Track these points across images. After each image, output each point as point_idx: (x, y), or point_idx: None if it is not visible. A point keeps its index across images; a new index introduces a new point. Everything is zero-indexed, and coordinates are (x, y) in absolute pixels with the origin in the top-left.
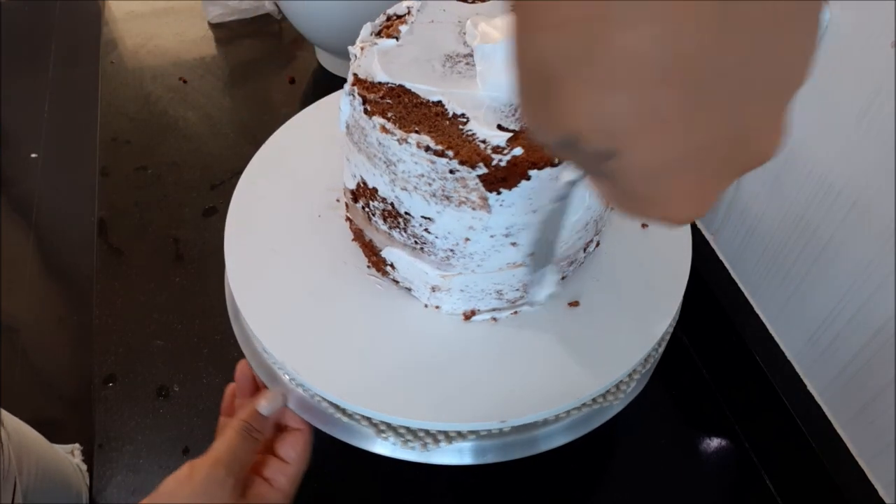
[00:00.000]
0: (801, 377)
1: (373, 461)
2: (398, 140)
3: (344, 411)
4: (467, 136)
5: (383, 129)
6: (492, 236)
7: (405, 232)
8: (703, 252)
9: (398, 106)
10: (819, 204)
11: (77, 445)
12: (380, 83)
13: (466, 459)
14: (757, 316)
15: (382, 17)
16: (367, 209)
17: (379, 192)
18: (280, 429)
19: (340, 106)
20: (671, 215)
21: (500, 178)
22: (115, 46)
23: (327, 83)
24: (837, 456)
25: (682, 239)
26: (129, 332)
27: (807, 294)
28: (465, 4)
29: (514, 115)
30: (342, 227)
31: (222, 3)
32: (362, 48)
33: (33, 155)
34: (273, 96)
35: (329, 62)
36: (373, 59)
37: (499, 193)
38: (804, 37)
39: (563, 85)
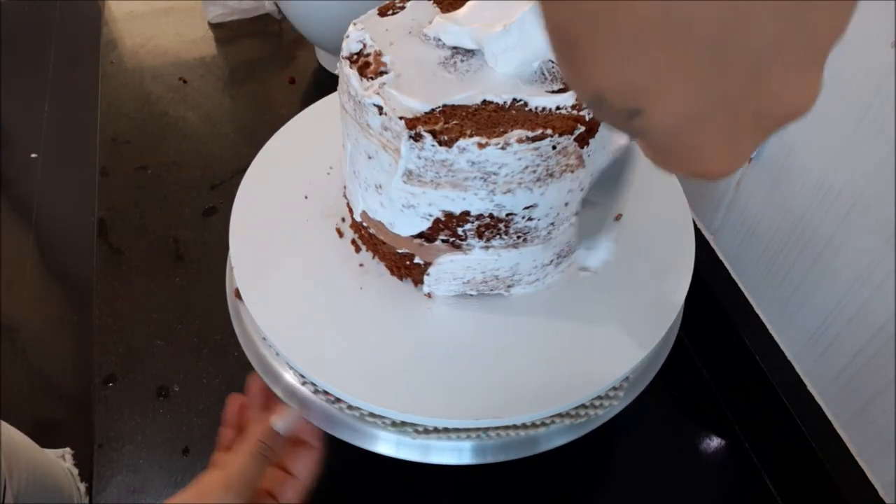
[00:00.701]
0: (801, 377)
1: (373, 461)
2: (501, 146)
3: (348, 408)
4: (531, 114)
5: (480, 145)
6: (582, 189)
7: (506, 234)
8: (703, 252)
9: (460, 121)
10: (819, 204)
11: (68, 450)
12: (426, 113)
13: (466, 459)
14: (757, 316)
15: (346, 63)
16: (452, 239)
17: (472, 213)
18: (290, 442)
19: (402, 153)
20: (703, 170)
21: (588, 130)
22: (115, 46)
23: (327, 83)
24: (837, 456)
25: (684, 239)
26: (129, 332)
27: (807, 294)
28: (389, 19)
29: (543, 79)
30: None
31: (222, 3)
32: (377, 92)
33: (33, 155)
34: (273, 96)
35: (329, 62)
36: (398, 97)
37: (588, 145)
38: None
39: (585, 47)
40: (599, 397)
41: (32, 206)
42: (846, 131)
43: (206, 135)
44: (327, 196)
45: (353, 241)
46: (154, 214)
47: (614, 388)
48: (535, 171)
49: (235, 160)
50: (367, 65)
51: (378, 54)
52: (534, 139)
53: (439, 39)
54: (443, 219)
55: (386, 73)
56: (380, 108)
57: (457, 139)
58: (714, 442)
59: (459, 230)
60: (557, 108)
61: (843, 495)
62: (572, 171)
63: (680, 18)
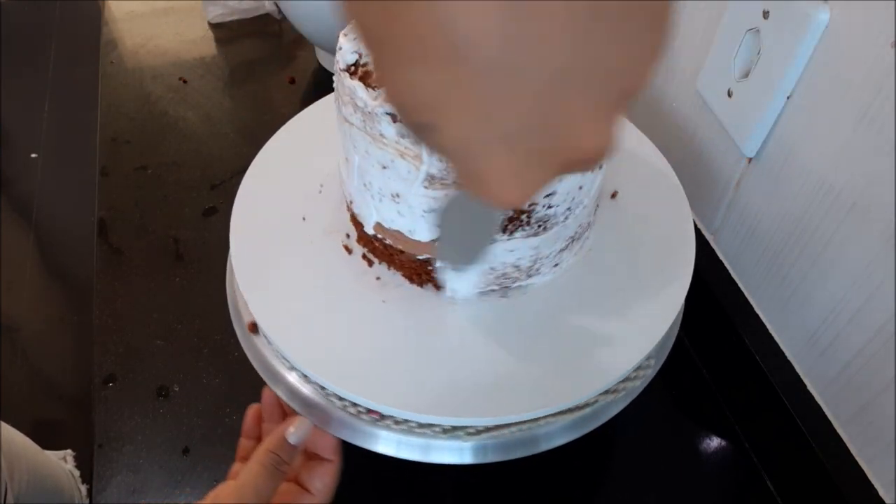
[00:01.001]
0: (801, 377)
1: (373, 461)
2: None
3: (349, 407)
4: None
5: None
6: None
7: (528, 225)
8: (703, 252)
9: None
10: (819, 204)
11: (69, 451)
12: None
13: (467, 459)
14: (757, 316)
15: (347, 75)
16: None
17: None
18: (307, 457)
19: (423, 159)
20: (493, 197)
21: None
22: (115, 46)
23: (327, 83)
24: (837, 456)
25: (684, 239)
26: (129, 332)
27: (807, 294)
28: None
29: None
30: (343, 227)
31: (222, 3)
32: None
33: (33, 155)
34: (273, 96)
35: (329, 62)
36: None
37: None
38: (645, 44)
39: (380, 55)
40: (599, 396)
41: (32, 206)
42: (846, 131)
43: (206, 135)
44: (326, 212)
45: (364, 256)
46: (154, 214)
47: (637, 370)
48: None
49: (235, 160)
50: (368, 74)
51: (367, 67)
52: None
53: None
54: None
55: None
56: (394, 116)
57: None
58: (714, 442)
59: None
60: None
61: (843, 495)
62: None
63: (457, 38)
